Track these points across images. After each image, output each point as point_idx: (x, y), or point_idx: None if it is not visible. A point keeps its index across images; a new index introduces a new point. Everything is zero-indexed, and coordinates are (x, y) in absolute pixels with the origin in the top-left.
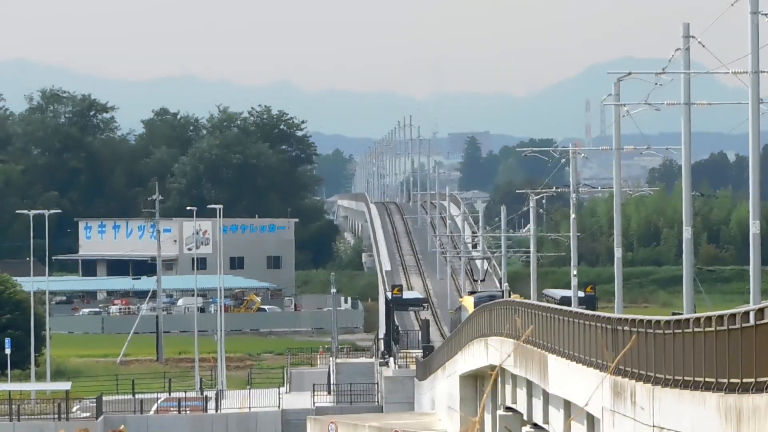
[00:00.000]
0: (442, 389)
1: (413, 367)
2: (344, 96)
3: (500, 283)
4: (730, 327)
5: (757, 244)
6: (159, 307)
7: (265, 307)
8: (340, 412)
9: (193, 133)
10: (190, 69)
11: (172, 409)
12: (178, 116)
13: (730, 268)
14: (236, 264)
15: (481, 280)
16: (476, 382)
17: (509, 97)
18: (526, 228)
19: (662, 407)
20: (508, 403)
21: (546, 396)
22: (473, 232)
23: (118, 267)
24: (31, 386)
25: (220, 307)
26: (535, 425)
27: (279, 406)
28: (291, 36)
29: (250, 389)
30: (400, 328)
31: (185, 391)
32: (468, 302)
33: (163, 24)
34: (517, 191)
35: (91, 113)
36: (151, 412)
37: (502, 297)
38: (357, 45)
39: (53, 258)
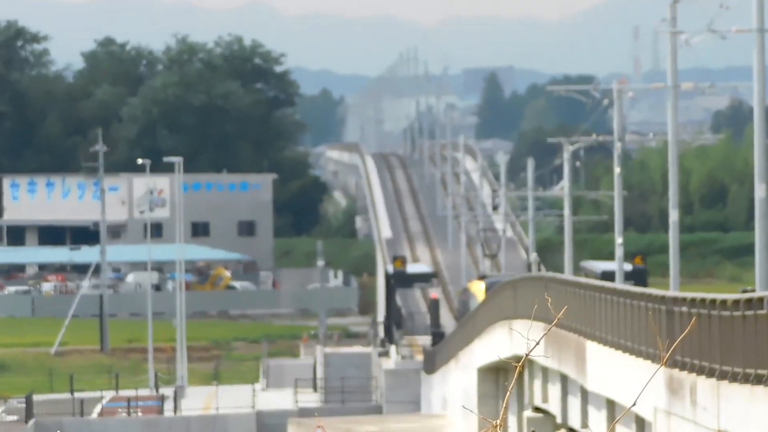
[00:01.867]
0: (456, 385)
1: (420, 357)
2: (333, 21)
3: (528, 254)
4: None
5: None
6: (103, 284)
7: (236, 283)
8: (329, 414)
9: (145, 69)
10: None
11: (120, 410)
12: (127, 47)
13: None
14: (200, 231)
15: (492, 255)
16: (498, 376)
17: (538, 22)
18: (560, 185)
19: (729, 407)
20: (538, 403)
21: (584, 394)
22: (493, 191)
23: (52, 235)
24: None
25: (180, 284)
26: (571, 430)
27: (253, 407)
28: None
29: (217, 386)
30: (403, 310)
31: (136, 389)
32: (477, 288)
33: None
34: (548, 140)
35: (18, 44)
36: (94, 415)
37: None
38: None
39: None
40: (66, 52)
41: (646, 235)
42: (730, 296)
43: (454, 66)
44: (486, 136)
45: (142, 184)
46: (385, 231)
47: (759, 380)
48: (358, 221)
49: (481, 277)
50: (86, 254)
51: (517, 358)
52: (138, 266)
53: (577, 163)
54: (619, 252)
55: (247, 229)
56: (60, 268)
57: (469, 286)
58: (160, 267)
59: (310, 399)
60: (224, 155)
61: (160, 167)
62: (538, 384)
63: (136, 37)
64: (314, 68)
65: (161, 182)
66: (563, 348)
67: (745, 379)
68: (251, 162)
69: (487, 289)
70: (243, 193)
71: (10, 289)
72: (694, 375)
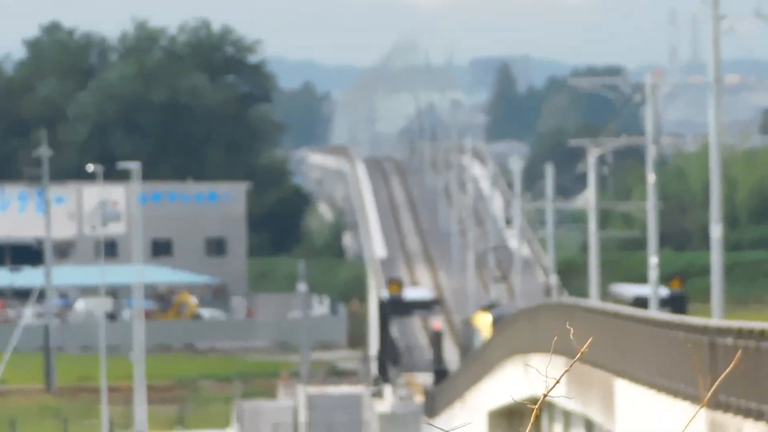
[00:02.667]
0: None
1: (420, 399)
2: (317, 3)
3: (546, 276)
4: None
5: None
6: (49, 312)
7: (204, 311)
8: None
9: (97, 59)
10: None
11: None
12: (76, 33)
13: None
14: (162, 249)
15: (501, 277)
16: (511, 421)
17: (558, 4)
18: (584, 196)
19: None
20: None
21: None
22: (506, 202)
23: None
24: None
25: (138, 312)
26: None
27: None
28: None
29: None
30: (400, 343)
31: None
32: (483, 321)
33: None
34: (570, 143)
35: None
36: None
37: None
38: None
39: None
40: (5, 40)
41: (685, 254)
42: None
43: (460, 56)
44: (498, 138)
45: (93, 194)
46: (379, 250)
47: None
48: (347, 238)
49: (487, 308)
50: (29, 277)
51: (534, 400)
52: (89, 291)
53: (605, 170)
54: (653, 274)
55: (217, 247)
56: None
57: (473, 319)
58: (114, 292)
59: None
60: (190, 161)
61: (114, 175)
62: (558, 430)
63: (86, 22)
64: (295, 58)
65: (116, 192)
66: (588, 387)
67: None
68: (221, 169)
69: (495, 322)
70: (212, 205)
71: None
72: (740, 418)
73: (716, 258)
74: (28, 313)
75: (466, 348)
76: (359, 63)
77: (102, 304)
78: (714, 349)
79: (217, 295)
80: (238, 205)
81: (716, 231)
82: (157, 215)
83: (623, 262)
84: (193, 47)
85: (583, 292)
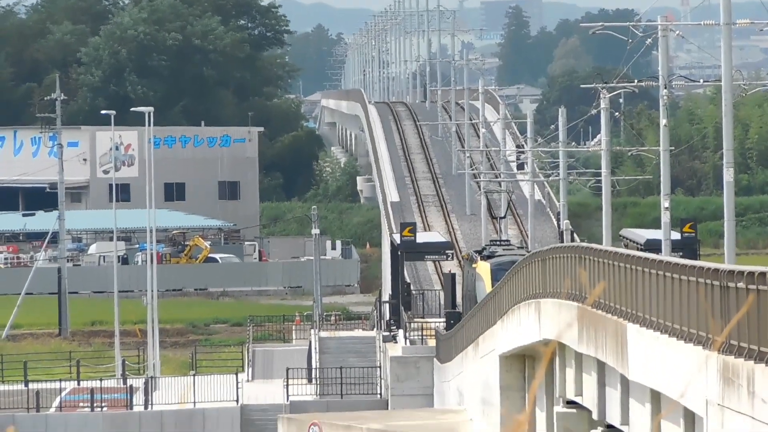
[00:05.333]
0: (475, 375)
1: (432, 343)
2: None
3: (558, 221)
4: None
5: None
6: (62, 256)
7: (217, 256)
8: (326, 408)
9: (110, 3)
10: None
11: (82, 404)
12: None
13: None
14: (174, 193)
15: (500, 218)
16: (524, 364)
17: None
18: (596, 140)
19: None
20: (571, 396)
21: (625, 384)
22: (518, 146)
23: (1, 198)
24: None
25: (151, 255)
26: (610, 426)
27: (237, 401)
28: None
29: (194, 376)
30: (413, 287)
31: (101, 379)
32: (484, 270)
33: None
34: (581, 86)
35: None
36: (52, 409)
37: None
38: None
39: None
40: None
41: (697, 198)
42: None
43: None
44: (510, 82)
45: (106, 138)
46: (392, 194)
47: None
48: (360, 182)
49: (487, 257)
50: (42, 221)
51: (547, 343)
52: (102, 235)
53: (616, 114)
54: (665, 218)
55: (229, 191)
56: (11, 238)
57: (476, 267)
58: (127, 236)
59: (304, 391)
60: (202, 105)
61: (127, 119)
62: (570, 374)
63: None
64: (307, 2)
65: (129, 136)
66: (600, 331)
67: None
68: (234, 113)
69: (493, 274)
70: (224, 149)
71: None
72: (751, 362)
73: (728, 201)
74: (41, 257)
75: (469, 289)
76: (372, 6)
77: (115, 248)
78: (725, 293)
79: (229, 239)
80: (251, 148)
81: (728, 175)
82: (169, 159)
83: (635, 206)
84: None
85: (595, 237)
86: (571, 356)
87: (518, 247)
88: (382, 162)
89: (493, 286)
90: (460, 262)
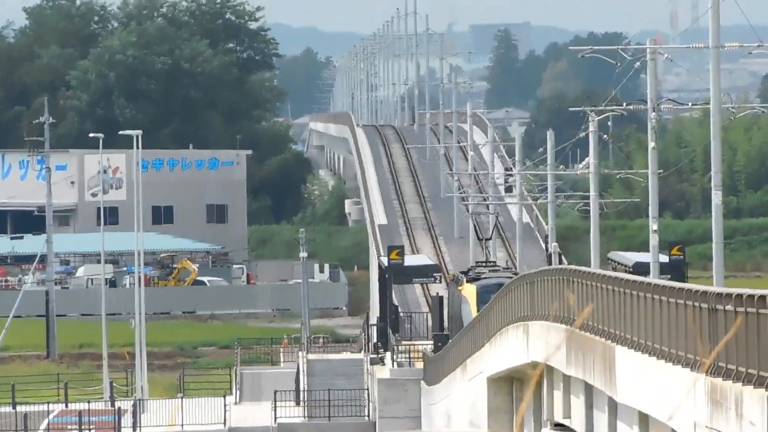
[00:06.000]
0: (462, 398)
1: (420, 365)
2: None
3: (546, 243)
4: None
5: None
6: (50, 279)
7: (205, 279)
8: (314, 431)
9: (98, 27)
10: None
11: (70, 426)
12: (77, 1)
13: None
14: (162, 216)
15: (487, 239)
16: (512, 386)
17: None
18: (584, 163)
19: None
20: (558, 418)
21: (613, 407)
22: (506, 169)
23: None
24: None
25: (139, 278)
26: None
27: (225, 424)
28: None
29: (182, 398)
30: (400, 310)
31: (89, 402)
32: (470, 292)
33: None
34: (570, 109)
35: None
36: (40, 431)
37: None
38: None
39: None
40: (6, 8)
41: (685, 221)
42: None
43: (460, 22)
44: (498, 105)
45: (94, 161)
46: (380, 217)
47: None
48: (348, 205)
49: (472, 279)
50: (30, 244)
51: (535, 365)
52: (90, 258)
53: (605, 137)
54: (653, 240)
55: (218, 214)
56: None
57: (461, 290)
58: (115, 259)
59: (292, 414)
60: (191, 128)
61: (115, 142)
62: (558, 396)
63: None
64: (297, 25)
65: (117, 159)
66: (588, 354)
67: None
68: (222, 136)
69: (479, 295)
70: (212, 172)
71: None
72: (739, 384)
73: (716, 224)
74: (29, 280)
75: (454, 311)
76: (360, 30)
77: (102, 271)
78: (714, 315)
79: (217, 263)
80: (239, 171)
81: (716, 198)
82: (157, 182)
83: (623, 229)
84: (194, 14)
85: (583, 260)
86: (559, 379)
87: (504, 269)
88: (370, 185)
89: (479, 309)
90: (447, 284)
